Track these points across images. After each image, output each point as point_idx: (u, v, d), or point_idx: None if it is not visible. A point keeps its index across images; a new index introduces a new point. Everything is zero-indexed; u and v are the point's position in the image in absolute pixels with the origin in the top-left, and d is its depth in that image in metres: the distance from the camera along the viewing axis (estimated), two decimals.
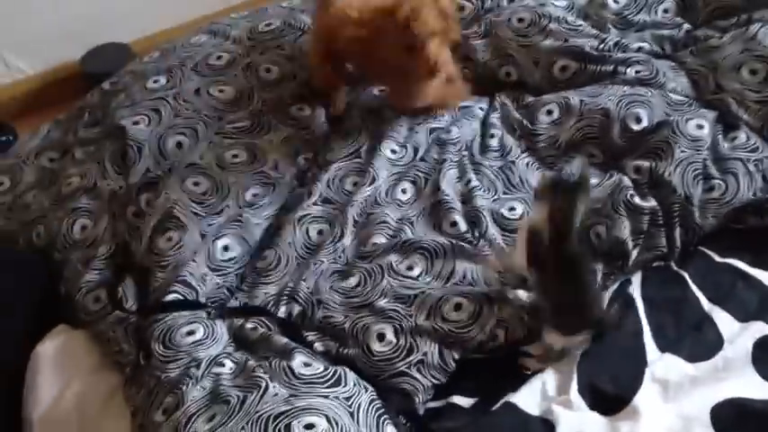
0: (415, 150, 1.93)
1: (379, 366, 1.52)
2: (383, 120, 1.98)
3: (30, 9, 2.78)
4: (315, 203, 1.82)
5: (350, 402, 1.40)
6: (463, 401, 1.51)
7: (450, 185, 1.83)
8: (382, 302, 1.60)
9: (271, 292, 1.68)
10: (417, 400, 1.50)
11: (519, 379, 1.52)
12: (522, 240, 1.50)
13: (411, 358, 1.52)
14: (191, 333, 1.56)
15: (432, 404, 1.52)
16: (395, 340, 1.54)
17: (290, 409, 1.35)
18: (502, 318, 1.56)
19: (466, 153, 1.92)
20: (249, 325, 1.61)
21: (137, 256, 1.74)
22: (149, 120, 1.95)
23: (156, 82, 2.07)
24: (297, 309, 1.63)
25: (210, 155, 1.87)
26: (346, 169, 1.88)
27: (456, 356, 1.54)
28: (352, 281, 1.66)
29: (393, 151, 1.90)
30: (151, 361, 1.54)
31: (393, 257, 1.68)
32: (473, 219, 1.76)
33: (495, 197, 1.83)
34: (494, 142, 1.94)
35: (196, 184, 1.81)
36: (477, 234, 1.73)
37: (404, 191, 1.85)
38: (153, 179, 1.85)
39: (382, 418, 1.42)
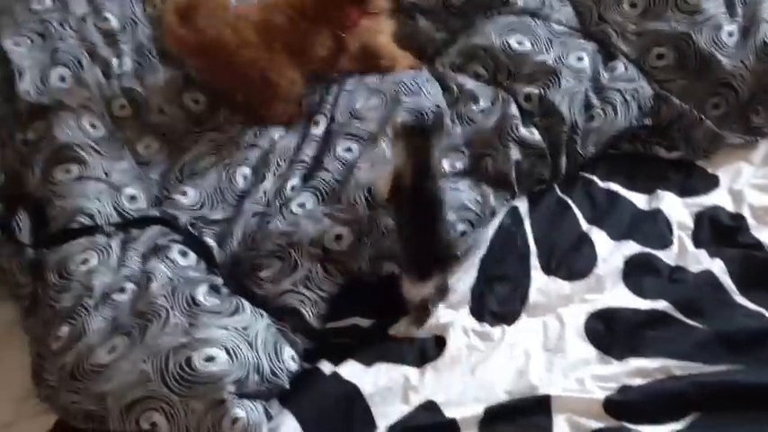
0: None
1: (267, 289, 1.57)
2: None
3: None
4: None
5: (247, 331, 1.45)
6: (363, 322, 1.59)
7: None
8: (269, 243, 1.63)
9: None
10: (308, 314, 1.55)
11: None
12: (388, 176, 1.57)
13: (296, 275, 1.57)
14: (84, 261, 1.56)
15: (333, 324, 1.59)
16: (280, 264, 1.60)
17: (190, 341, 1.39)
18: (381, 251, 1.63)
19: None
20: (161, 241, 1.61)
21: (30, 186, 1.70)
22: (32, 42, 1.88)
23: (39, 3, 1.97)
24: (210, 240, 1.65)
25: (101, 102, 1.83)
26: None
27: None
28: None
29: None
30: (47, 291, 1.53)
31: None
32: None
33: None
34: None
35: (93, 126, 1.78)
36: None
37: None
38: (40, 107, 1.79)
39: (279, 342, 1.48)
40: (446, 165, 1.73)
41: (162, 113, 1.85)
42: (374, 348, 1.54)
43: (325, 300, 1.59)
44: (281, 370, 1.45)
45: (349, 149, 1.76)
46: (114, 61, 1.90)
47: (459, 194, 1.70)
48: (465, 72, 1.91)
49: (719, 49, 1.84)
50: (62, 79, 1.85)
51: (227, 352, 1.39)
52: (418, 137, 1.53)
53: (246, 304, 1.51)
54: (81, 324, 1.46)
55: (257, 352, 1.43)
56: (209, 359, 1.37)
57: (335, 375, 1.48)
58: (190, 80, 1.89)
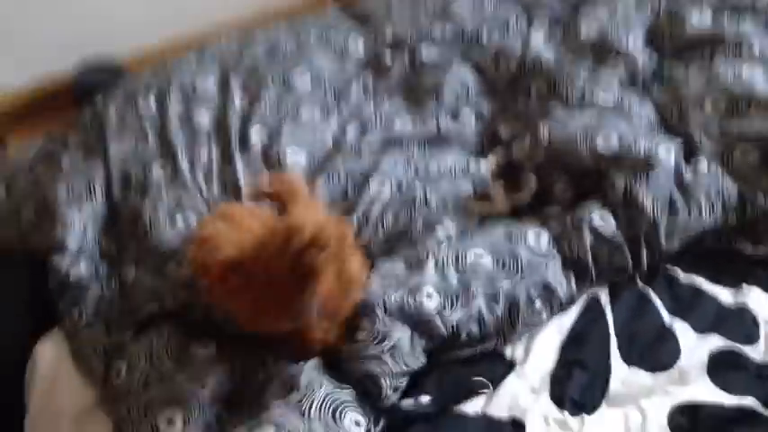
0: None
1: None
2: None
3: (26, 19, 2.84)
4: None
5: (301, 402, 1.48)
6: (423, 398, 1.60)
7: None
8: None
9: None
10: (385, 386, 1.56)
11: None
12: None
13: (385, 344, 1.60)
14: None
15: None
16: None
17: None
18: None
19: None
20: None
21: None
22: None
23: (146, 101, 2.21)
24: None
25: None
26: None
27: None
28: None
29: None
30: None
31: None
32: None
33: None
34: None
35: None
36: None
37: None
38: None
39: (341, 407, 1.50)
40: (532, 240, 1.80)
41: None
42: (446, 427, 1.54)
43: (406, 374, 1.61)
44: None
45: None
46: None
47: (545, 272, 1.74)
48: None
49: None
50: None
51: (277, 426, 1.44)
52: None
53: (307, 368, 1.55)
54: None
55: (310, 418, 1.46)
56: None
57: None
58: None
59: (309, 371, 1.56)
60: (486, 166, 2.01)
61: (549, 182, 1.96)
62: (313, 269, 1.34)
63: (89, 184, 2.05)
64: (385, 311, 1.62)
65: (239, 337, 1.64)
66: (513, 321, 1.70)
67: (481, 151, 2.14)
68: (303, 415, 1.47)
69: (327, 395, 1.52)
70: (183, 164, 2.08)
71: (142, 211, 1.93)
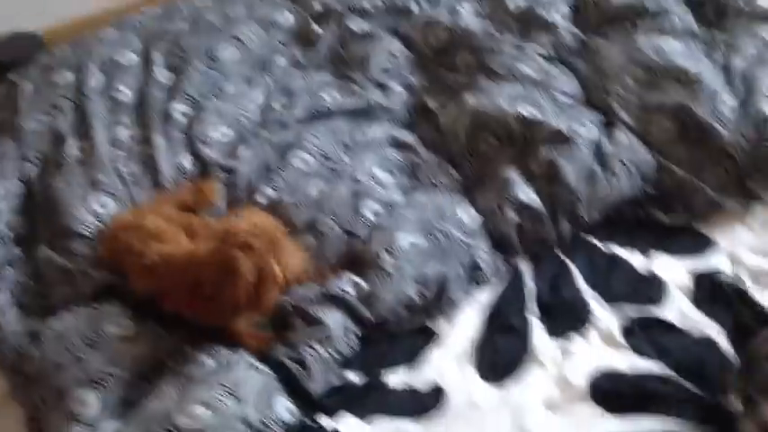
0: None
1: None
2: None
3: None
4: None
5: (237, 387, 1.49)
6: (353, 376, 1.63)
7: None
8: None
9: None
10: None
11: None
12: None
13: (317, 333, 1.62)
14: None
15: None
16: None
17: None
18: None
19: None
20: None
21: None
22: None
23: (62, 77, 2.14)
24: None
25: None
26: None
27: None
28: None
29: None
30: None
31: None
32: None
33: None
34: None
35: None
36: None
37: None
38: None
39: (273, 394, 1.52)
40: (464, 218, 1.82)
41: None
42: (369, 400, 1.57)
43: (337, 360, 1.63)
44: (273, 422, 1.48)
45: None
46: None
47: (474, 250, 1.78)
48: (476, 142, 1.99)
49: (719, 120, 1.91)
50: None
51: (210, 408, 1.44)
52: None
53: (243, 361, 1.56)
54: None
55: (245, 405, 1.47)
56: (193, 417, 1.43)
57: None
58: None
59: (237, 355, 1.56)
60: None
61: (476, 143, 1.98)
62: (235, 269, 1.44)
63: (1, 163, 1.98)
64: (318, 300, 1.65)
65: (158, 315, 1.62)
66: (441, 300, 1.73)
67: (409, 123, 2.14)
68: (234, 397, 1.47)
69: (258, 380, 1.53)
70: (101, 141, 2.02)
71: (55, 190, 1.88)
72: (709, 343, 1.62)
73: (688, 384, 1.54)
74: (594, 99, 2.07)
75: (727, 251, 1.80)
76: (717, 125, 1.90)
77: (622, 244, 1.85)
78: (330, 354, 1.61)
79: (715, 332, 1.63)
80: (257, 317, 1.62)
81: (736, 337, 1.62)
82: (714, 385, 1.53)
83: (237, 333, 1.60)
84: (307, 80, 2.26)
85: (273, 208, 1.83)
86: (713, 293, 1.71)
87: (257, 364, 1.56)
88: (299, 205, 1.85)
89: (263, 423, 1.47)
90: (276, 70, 2.30)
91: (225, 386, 1.49)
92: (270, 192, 1.90)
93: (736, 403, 1.48)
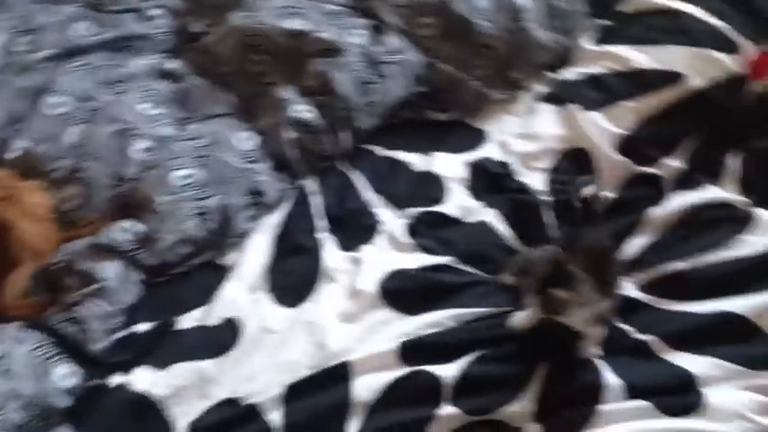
0: None
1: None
2: None
3: None
4: None
5: (3, 361, 1.38)
6: (143, 327, 1.55)
7: None
8: None
9: None
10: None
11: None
12: None
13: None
14: None
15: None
16: None
17: None
18: None
19: None
20: None
21: None
22: None
23: None
24: None
25: None
26: None
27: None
28: None
29: None
30: None
31: None
32: None
33: None
34: None
35: None
36: None
37: None
38: None
39: (47, 362, 1.41)
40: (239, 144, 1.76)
41: None
42: (162, 348, 1.50)
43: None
44: (54, 391, 1.38)
45: None
46: None
47: (255, 176, 1.73)
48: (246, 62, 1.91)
49: (476, 13, 1.95)
50: None
51: None
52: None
53: (6, 331, 1.44)
54: None
55: (17, 380, 1.36)
56: None
57: (122, 387, 1.43)
58: None
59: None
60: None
61: (246, 63, 1.90)
62: None
63: None
64: (91, 253, 1.54)
65: None
66: (227, 232, 1.68)
67: (174, 50, 2.01)
68: (7, 374, 1.36)
69: (31, 351, 1.42)
70: None
71: None
72: (487, 228, 1.68)
73: (470, 269, 1.60)
74: (362, 5, 2.04)
75: (498, 140, 1.87)
76: (476, 19, 1.94)
77: (403, 148, 1.87)
78: (111, 308, 1.52)
79: (491, 217, 1.70)
80: (20, 282, 1.48)
81: (514, 218, 1.70)
82: (495, 266, 1.61)
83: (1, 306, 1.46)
84: (52, 14, 2.04)
85: (27, 160, 1.67)
86: (486, 181, 1.78)
87: (24, 334, 1.44)
88: (58, 154, 1.70)
89: (44, 396, 1.37)
90: (15, 5, 2.06)
91: None
92: (23, 143, 1.72)
93: (515, 280, 1.55)
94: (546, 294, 1.33)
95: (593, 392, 1.35)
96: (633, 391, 1.35)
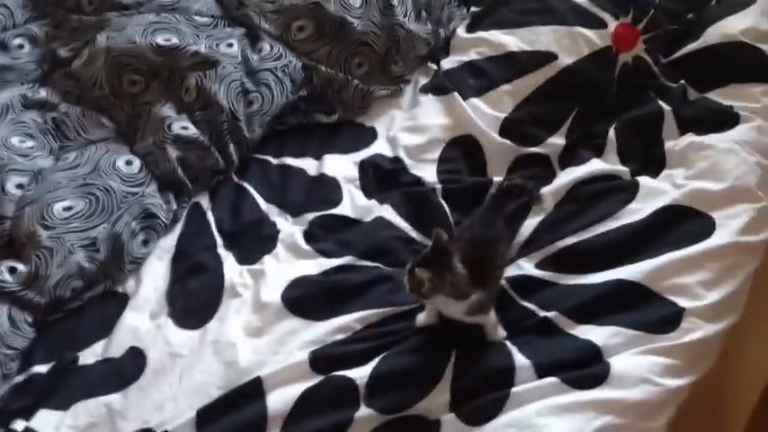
0: None
1: None
2: None
3: None
4: None
5: None
6: (40, 368, 1.48)
7: None
8: None
9: None
10: None
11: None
12: None
13: None
14: None
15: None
16: None
17: None
18: None
19: None
20: None
21: None
22: None
23: None
24: None
25: None
26: None
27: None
28: None
29: None
30: None
31: None
32: None
33: None
34: None
35: None
36: None
37: None
38: None
39: None
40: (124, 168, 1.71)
41: None
42: (67, 387, 1.44)
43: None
44: None
45: None
46: None
47: (143, 200, 1.68)
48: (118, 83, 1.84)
49: (349, 12, 1.95)
50: None
51: None
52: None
53: None
54: None
55: None
56: None
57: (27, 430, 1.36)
58: None
59: None
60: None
61: (119, 84, 1.84)
62: None
63: None
64: None
65: None
66: (119, 261, 1.62)
67: (41, 78, 1.93)
68: None
69: None
70: None
71: None
72: (385, 222, 1.68)
73: (372, 263, 1.60)
74: (234, 15, 2.00)
75: (386, 136, 1.88)
76: (348, 17, 1.94)
77: (294, 154, 1.85)
78: (5, 353, 1.44)
79: (386, 211, 1.70)
80: None
81: (410, 211, 1.71)
82: (396, 257, 1.60)
83: None
84: None
85: None
86: (380, 178, 1.78)
87: None
88: None
89: None
90: None
91: None
92: None
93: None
94: (412, 273, 1.33)
95: (505, 376, 1.37)
96: (542, 369, 1.37)
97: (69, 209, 1.61)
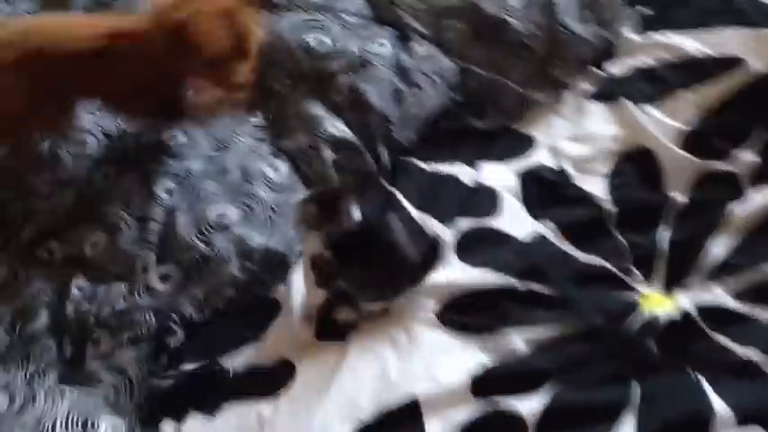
0: None
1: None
2: None
3: None
4: None
5: (43, 422, 1.30)
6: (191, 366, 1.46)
7: None
8: None
9: None
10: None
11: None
12: None
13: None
14: None
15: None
16: None
17: None
18: None
19: None
20: None
21: None
22: None
23: None
24: None
25: None
26: None
27: None
28: None
29: None
30: None
31: None
32: None
33: None
34: None
35: None
36: None
37: None
38: None
39: (92, 415, 1.33)
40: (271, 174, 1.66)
41: None
42: (216, 390, 1.40)
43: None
44: None
45: None
46: None
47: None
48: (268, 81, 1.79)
49: (508, 12, 1.84)
50: None
51: None
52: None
53: (42, 390, 1.35)
54: None
55: None
56: None
57: None
58: None
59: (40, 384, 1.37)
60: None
61: (268, 83, 1.79)
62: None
63: None
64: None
65: None
66: (273, 269, 1.57)
67: None
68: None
69: (72, 406, 1.34)
70: None
71: None
72: (543, 241, 1.55)
73: (531, 285, 1.47)
74: (384, 14, 1.93)
75: (547, 145, 1.75)
76: (507, 18, 1.83)
77: (446, 160, 1.75)
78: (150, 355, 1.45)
79: (546, 229, 1.57)
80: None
81: (570, 228, 1.57)
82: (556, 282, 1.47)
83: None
84: None
85: None
86: (540, 190, 1.65)
87: (67, 387, 1.37)
88: None
89: None
90: None
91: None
92: None
93: None
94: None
95: (701, 419, 1.20)
96: (744, 417, 1.20)
97: (222, 216, 1.58)
